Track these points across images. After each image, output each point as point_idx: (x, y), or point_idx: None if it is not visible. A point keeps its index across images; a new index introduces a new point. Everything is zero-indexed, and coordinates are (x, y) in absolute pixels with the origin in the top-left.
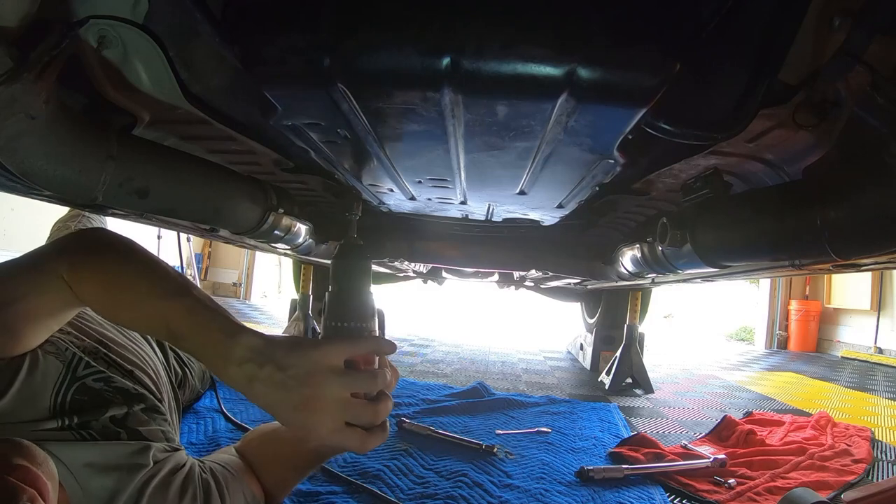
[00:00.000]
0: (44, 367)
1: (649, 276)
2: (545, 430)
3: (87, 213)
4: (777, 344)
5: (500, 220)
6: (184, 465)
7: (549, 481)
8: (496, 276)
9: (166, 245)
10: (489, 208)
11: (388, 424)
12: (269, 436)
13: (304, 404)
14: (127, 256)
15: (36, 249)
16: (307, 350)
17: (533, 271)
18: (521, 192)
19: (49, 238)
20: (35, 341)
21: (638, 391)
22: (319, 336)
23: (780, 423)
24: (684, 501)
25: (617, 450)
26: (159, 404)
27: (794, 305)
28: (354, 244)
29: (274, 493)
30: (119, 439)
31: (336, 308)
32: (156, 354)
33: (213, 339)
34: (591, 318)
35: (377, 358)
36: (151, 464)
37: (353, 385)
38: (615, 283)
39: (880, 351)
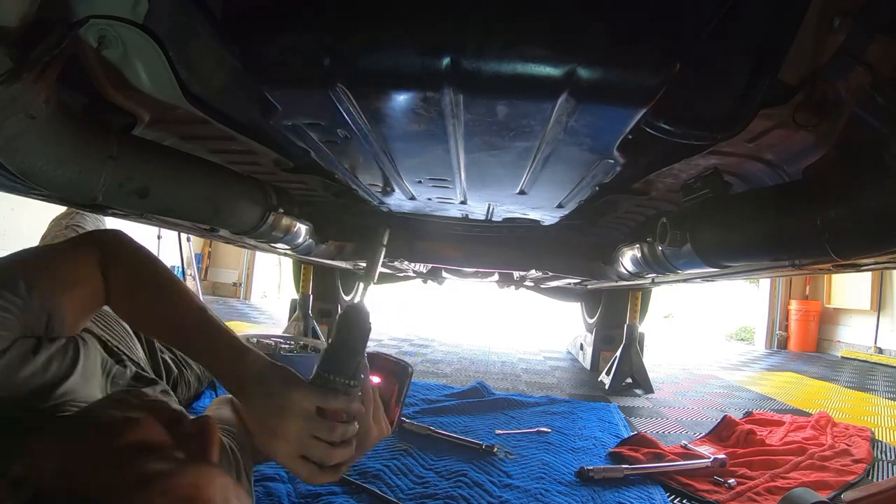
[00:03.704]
0: (92, 345)
1: (649, 276)
2: (545, 430)
3: (80, 211)
4: (777, 344)
5: (500, 219)
6: None
7: (548, 481)
8: (496, 276)
9: (166, 245)
10: (489, 208)
11: (340, 469)
12: None
13: (272, 429)
14: (156, 269)
15: (64, 242)
16: (291, 388)
17: (533, 271)
18: (522, 192)
19: (44, 237)
20: (78, 328)
21: (638, 391)
22: (311, 376)
23: (780, 423)
24: (684, 501)
25: (617, 450)
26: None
27: (794, 305)
28: (361, 309)
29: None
30: None
31: (328, 361)
32: (142, 350)
33: (227, 363)
34: (591, 318)
35: (353, 411)
36: None
37: (313, 430)
38: (615, 283)
39: (880, 351)
